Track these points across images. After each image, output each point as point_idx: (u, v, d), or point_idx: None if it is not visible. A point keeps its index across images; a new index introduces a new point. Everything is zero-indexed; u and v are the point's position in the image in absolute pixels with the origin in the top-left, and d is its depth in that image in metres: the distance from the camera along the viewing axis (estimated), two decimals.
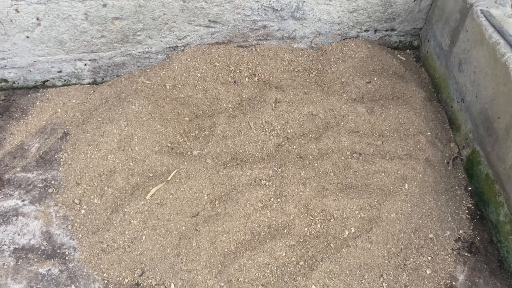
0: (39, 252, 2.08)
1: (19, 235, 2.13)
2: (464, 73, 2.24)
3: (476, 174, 2.20)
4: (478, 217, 2.17)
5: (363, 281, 1.90)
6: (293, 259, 1.95)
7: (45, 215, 2.21)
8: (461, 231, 2.12)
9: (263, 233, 2.04)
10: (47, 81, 2.78)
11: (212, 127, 2.44)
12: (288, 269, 1.92)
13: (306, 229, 2.04)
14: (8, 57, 2.58)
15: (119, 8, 2.44)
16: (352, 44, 2.78)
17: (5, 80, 2.71)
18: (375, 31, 2.82)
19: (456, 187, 2.27)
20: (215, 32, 2.69)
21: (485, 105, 2.06)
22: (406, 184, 2.14)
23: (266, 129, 2.41)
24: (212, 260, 1.96)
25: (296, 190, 2.14)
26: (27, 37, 2.49)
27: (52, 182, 2.34)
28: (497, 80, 1.94)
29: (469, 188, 2.27)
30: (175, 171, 2.22)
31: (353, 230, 2.02)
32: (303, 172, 2.20)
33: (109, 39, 2.60)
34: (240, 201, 2.11)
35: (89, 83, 2.83)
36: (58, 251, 2.09)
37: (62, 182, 2.32)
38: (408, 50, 2.96)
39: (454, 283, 1.97)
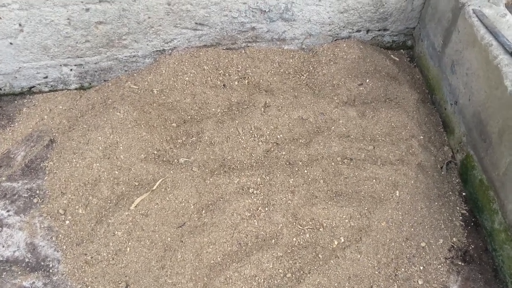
0: (23, 265, 2.04)
1: (3, 247, 2.09)
2: (457, 75, 2.17)
3: (470, 179, 2.13)
4: (472, 223, 2.11)
5: None
6: (280, 271, 1.89)
7: (30, 226, 2.17)
8: (454, 239, 2.05)
9: (251, 244, 1.99)
10: (33, 87, 2.73)
11: (199, 133, 2.38)
12: (275, 282, 1.87)
13: (294, 239, 1.99)
14: None
15: (102, 12, 2.38)
16: (344, 45, 2.71)
17: None
18: (367, 31, 2.74)
19: (450, 192, 2.21)
20: (202, 35, 2.62)
21: (478, 108, 1.99)
22: (397, 191, 2.08)
23: (255, 135, 2.36)
24: (197, 272, 1.91)
25: (285, 198, 2.08)
26: (11, 43, 2.44)
27: (37, 191, 2.29)
28: (489, 83, 1.87)
29: (464, 193, 2.20)
30: (160, 180, 2.17)
31: (342, 240, 1.97)
32: (292, 179, 2.15)
33: (94, 43, 2.54)
34: (227, 211, 2.06)
35: (76, 89, 2.78)
36: (42, 263, 2.05)
37: (47, 191, 2.28)
38: (401, 50, 2.88)
39: None
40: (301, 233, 2.00)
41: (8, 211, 2.22)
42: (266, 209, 2.07)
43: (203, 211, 2.09)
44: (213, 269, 1.92)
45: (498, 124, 1.82)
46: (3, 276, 2.00)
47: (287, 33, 2.68)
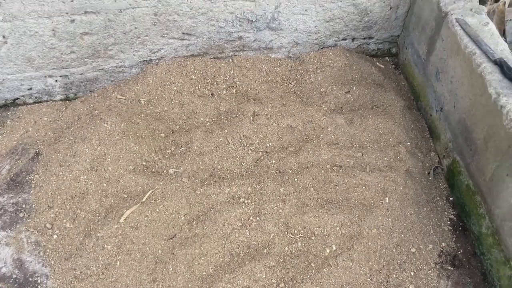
0: (11, 281, 1.99)
1: None
2: (442, 82, 2.21)
3: (457, 184, 2.17)
4: (460, 228, 2.15)
5: None
6: (273, 281, 1.89)
7: (17, 241, 2.12)
8: (443, 244, 2.08)
9: (243, 254, 1.98)
10: (17, 99, 2.68)
11: (188, 143, 2.37)
12: None
13: (286, 248, 1.99)
14: None
15: (87, 23, 2.36)
16: (330, 53, 2.74)
17: None
18: (353, 39, 2.78)
19: (438, 197, 2.24)
20: (189, 45, 2.62)
21: (463, 115, 2.03)
22: (387, 198, 2.10)
23: (245, 144, 2.36)
24: (189, 285, 1.89)
25: (276, 207, 2.09)
26: None
27: (24, 205, 2.24)
28: (474, 91, 1.91)
29: (451, 199, 2.24)
30: (150, 192, 2.15)
31: (334, 248, 1.98)
32: (283, 188, 2.15)
33: (79, 54, 2.51)
34: (218, 221, 2.05)
35: (61, 100, 2.74)
36: (30, 279, 2.00)
37: (33, 205, 2.23)
38: (387, 58, 2.93)
39: None
40: (293, 242, 2.01)
41: None
42: (258, 218, 2.06)
43: (194, 222, 2.07)
44: (205, 281, 1.90)
45: (483, 130, 1.86)
46: None
47: (274, 42, 2.70)
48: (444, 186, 2.29)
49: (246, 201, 2.12)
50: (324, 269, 1.89)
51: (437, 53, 2.24)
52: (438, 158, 2.36)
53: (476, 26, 2.00)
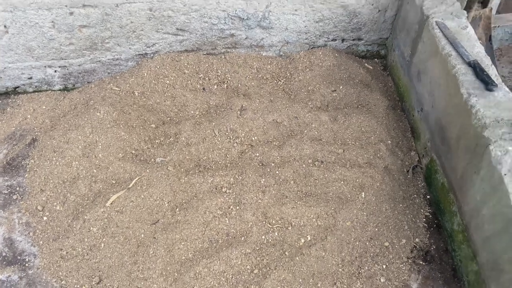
0: (0, 259, 2.09)
1: None
2: (422, 83, 2.27)
3: (433, 182, 2.23)
4: (435, 225, 2.21)
5: None
6: (248, 267, 1.97)
7: (9, 221, 2.23)
8: (417, 240, 2.14)
9: (221, 241, 2.06)
10: (18, 87, 2.79)
11: (177, 134, 2.47)
12: (243, 277, 1.94)
13: (263, 237, 2.07)
14: None
15: (85, 16, 2.47)
16: (320, 53, 2.81)
17: None
18: (343, 40, 2.85)
19: (415, 195, 2.30)
20: (183, 40, 2.72)
21: (439, 114, 2.09)
22: (363, 193, 2.17)
23: (231, 137, 2.44)
24: (168, 268, 1.98)
25: (255, 198, 2.16)
26: None
27: (17, 188, 2.35)
28: (449, 91, 1.97)
29: (428, 197, 2.30)
30: (136, 178, 2.24)
31: (309, 238, 2.05)
32: (264, 179, 2.23)
33: (77, 46, 2.62)
34: (200, 209, 2.13)
35: (60, 90, 2.85)
36: (19, 257, 2.11)
37: (27, 188, 2.34)
38: (375, 59, 3.00)
39: None
40: (270, 231, 2.08)
41: None
42: (238, 207, 2.14)
43: (177, 209, 2.16)
44: (183, 265, 1.99)
45: (456, 129, 1.93)
46: None
47: (265, 40, 2.78)
48: (422, 184, 2.35)
49: (228, 191, 2.20)
50: (297, 258, 1.96)
51: (419, 54, 2.31)
52: (418, 157, 2.42)
53: (455, 29, 2.06)
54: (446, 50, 1.99)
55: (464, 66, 1.91)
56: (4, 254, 2.11)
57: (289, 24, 2.69)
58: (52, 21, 2.47)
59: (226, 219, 2.12)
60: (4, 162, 2.48)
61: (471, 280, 1.90)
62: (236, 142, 2.43)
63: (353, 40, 2.86)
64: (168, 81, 2.71)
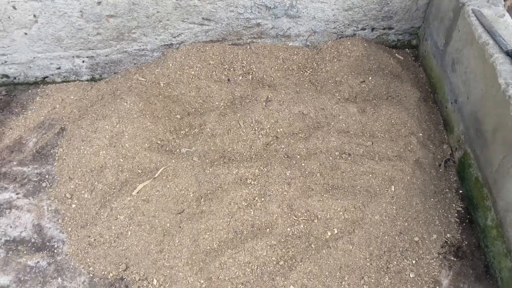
0: (29, 245, 2.14)
1: (11, 227, 2.20)
2: (457, 73, 2.19)
3: (467, 177, 2.15)
4: (467, 221, 2.13)
5: (343, 282, 1.89)
6: (273, 258, 1.95)
7: (38, 208, 2.27)
8: (448, 235, 2.07)
9: (246, 232, 2.05)
10: (47, 77, 2.84)
11: (202, 125, 2.46)
12: (268, 269, 1.92)
13: (288, 229, 2.04)
14: (8, 53, 2.64)
15: (113, 5, 2.48)
16: (348, 43, 2.74)
17: (6, 76, 2.78)
18: (372, 29, 2.78)
19: (447, 189, 2.23)
20: (209, 30, 2.70)
21: (475, 106, 2.01)
22: (393, 186, 2.11)
23: (256, 128, 2.41)
24: (193, 257, 1.98)
25: (281, 189, 2.14)
26: (25, 33, 2.55)
27: (47, 176, 2.39)
28: (485, 81, 1.89)
29: (460, 191, 2.22)
30: (162, 168, 2.24)
31: (335, 231, 2.01)
32: (289, 171, 2.20)
33: (105, 36, 2.64)
34: (225, 200, 2.12)
35: (87, 80, 2.89)
36: (48, 244, 2.14)
37: (56, 176, 2.38)
38: (407, 49, 2.90)
39: (437, 287, 1.93)
40: (296, 224, 2.05)
41: (17, 193, 2.32)
42: (263, 199, 2.12)
43: (202, 200, 2.15)
44: (209, 255, 1.98)
45: (492, 121, 1.84)
46: (9, 255, 2.10)
47: (291, 30, 2.73)
48: (454, 178, 2.27)
49: (252, 182, 2.18)
50: (324, 251, 1.93)
51: (453, 43, 2.21)
52: (451, 150, 2.34)
53: (491, 18, 1.97)
54: (483, 39, 1.90)
55: (502, 55, 1.82)
56: (33, 240, 2.15)
57: (317, 12, 2.63)
58: (81, 11, 2.49)
59: (251, 210, 2.10)
60: (34, 151, 2.52)
61: (505, 277, 1.82)
62: (261, 134, 2.40)
63: (384, 29, 2.77)
64: (193, 72, 2.70)
